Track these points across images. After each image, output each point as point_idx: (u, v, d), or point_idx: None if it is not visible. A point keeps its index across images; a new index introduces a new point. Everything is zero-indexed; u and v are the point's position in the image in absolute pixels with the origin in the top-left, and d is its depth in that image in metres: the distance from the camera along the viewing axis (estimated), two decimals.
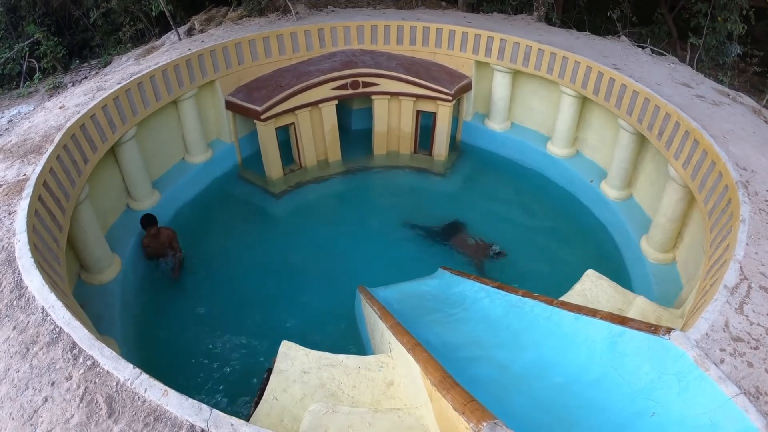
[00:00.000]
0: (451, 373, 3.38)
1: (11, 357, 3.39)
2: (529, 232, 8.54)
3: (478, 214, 8.90)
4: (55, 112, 6.78)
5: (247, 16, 10.71)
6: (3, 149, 5.95)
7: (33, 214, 4.81)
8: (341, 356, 4.33)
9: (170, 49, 9.10)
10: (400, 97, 9.54)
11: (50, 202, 5.35)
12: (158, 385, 3.09)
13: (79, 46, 13.82)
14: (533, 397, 3.85)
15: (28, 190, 4.99)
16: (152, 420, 2.92)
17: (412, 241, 8.23)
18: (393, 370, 4.26)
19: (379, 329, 4.92)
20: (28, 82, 11.71)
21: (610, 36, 10.33)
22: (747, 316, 3.84)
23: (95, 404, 3.04)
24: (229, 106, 9.04)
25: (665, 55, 9.36)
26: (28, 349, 3.42)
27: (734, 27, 9.83)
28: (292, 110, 8.90)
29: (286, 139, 9.45)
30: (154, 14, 11.71)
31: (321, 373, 4.13)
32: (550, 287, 5.86)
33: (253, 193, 9.31)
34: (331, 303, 7.06)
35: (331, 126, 9.56)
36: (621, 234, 8.11)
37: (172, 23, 10.36)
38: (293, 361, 4.22)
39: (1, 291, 3.89)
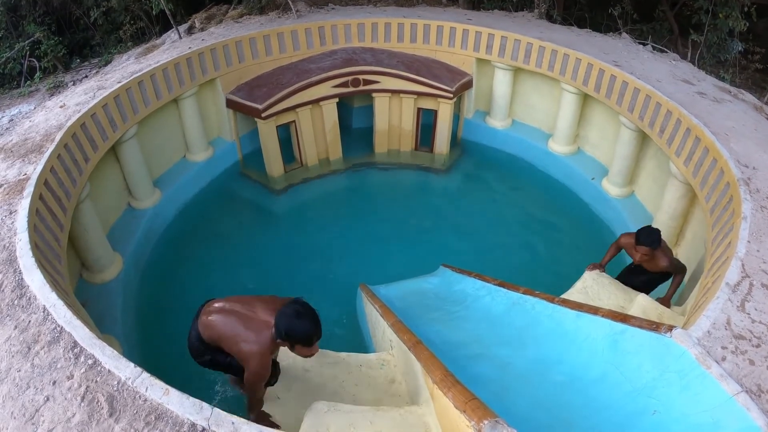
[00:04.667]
0: (452, 371, 3.38)
1: (12, 356, 3.39)
2: (530, 230, 8.54)
3: (479, 211, 8.90)
4: (55, 111, 6.78)
5: (247, 14, 10.70)
6: (4, 148, 5.96)
7: (34, 213, 4.81)
8: (343, 354, 4.34)
9: (171, 48, 9.10)
10: (401, 95, 9.53)
11: (51, 201, 5.35)
12: (159, 384, 3.09)
13: (79, 45, 13.80)
14: (534, 396, 3.85)
15: (29, 190, 4.99)
16: (153, 419, 2.93)
17: (413, 238, 8.23)
18: (394, 368, 4.26)
19: (380, 327, 4.93)
20: (28, 82, 11.71)
21: (611, 33, 10.30)
22: (749, 313, 3.83)
23: (96, 403, 3.04)
24: (230, 104, 9.04)
25: (666, 52, 9.33)
26: (29, 349, 3.43)
27: (735, 24, 9.80)
28: (293, 108, 8.90)
29: (287, 136, 9.45)
30: (154, 13, 11.68)
31: (323, 371, 4.13)
32: (552, 285, 5.87)
33: (254, 190, 9.31)
34: (332, 301, 7.05)
35: (332, 124, 9.56)
36: (622, 231, 8.07)
37: (172, 22, 10.35)
38: (294, 359, 4.23)
39: (3, 290, 3.89)
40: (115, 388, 3.10)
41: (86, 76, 11.05)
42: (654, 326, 3.53)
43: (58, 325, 3.55)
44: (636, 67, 8.01)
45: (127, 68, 8.18)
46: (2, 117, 9.62)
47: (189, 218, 8.51)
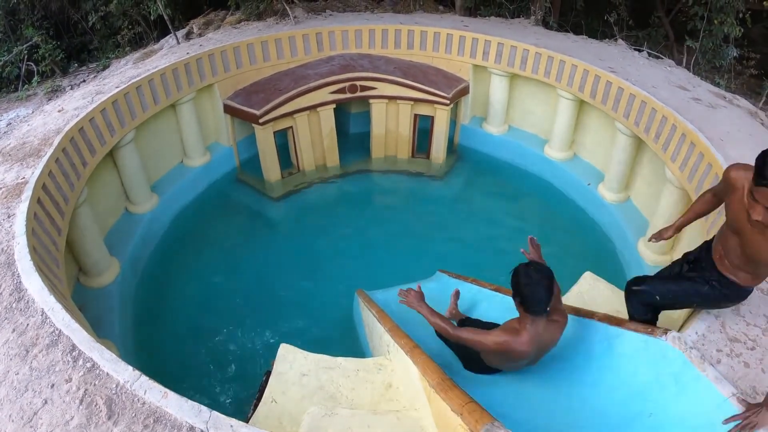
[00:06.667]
0: (449, 375, 3.40)
1: (11, 359, 3.40)
2: (527, 235, 8.51)
3: (476, 216, 8.93)
4: (53, 115, 6.79)
5: (245, 20, 10.74)
6: (2, 152, 5.96)
7: (32, 217, 4.82)
8: (340, 359, 4.34)
9: (169, 53, 9.13)
10: (398, 101, 9.57)
11: (49, 205, 5.36)
12: (158, 387, 3.10)
13: (77, 50, 13.83)
14: (531, 399, 3.87)
15: (27, 193, 5.00)
16: (152, 422, 2.93)
17: (409, 244, 8.24)
18: (391, 373, 4.27)
19: (377, 332, 4.94)
20: (26, 86, 11.71)
21: (607, 39, 10.37)
22: (743, 316, 3.86)
23: (95, 406, 3.04)
24: (228, 109, 9.06)
25: (662, 58, 9.39)
26: (27, 352, 3.43)
27: (731, 30, 9.88)
28: (291, 114, 8.92)
29: (284, 142, 9.47)
30: (152, 18, 11.74)
31: (320, 376, 4.14)
32: None
33: (251, 196, 9.32)
34: (329, 306, 7.07)
35: (329, 129, 9.58)
36: (618, 236, 8.13)
37: (170, 27, 10.38)
38: (292, 363, 4.23)
39: (1, 293, 3.90)
40: (113, 391, 3.11)
41: (84, 81, 11.06)
42: (649, 330, 3.56)
43: (57, 329, 3.56)
44: (631, 73, 8.06)
45: (125, 73, 8.20)
46: (0, 121, 9.62)
47: (186, 223, 8.51)
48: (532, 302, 3.31)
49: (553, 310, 3.56)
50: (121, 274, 7.00)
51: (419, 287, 4.12)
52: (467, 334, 3.65)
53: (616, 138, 8.13)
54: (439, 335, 4.09)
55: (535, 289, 3.30)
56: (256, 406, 4.07)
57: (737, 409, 3.03)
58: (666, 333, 3.49)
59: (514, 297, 3.43)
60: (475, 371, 4.18)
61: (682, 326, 4.22)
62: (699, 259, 3.77)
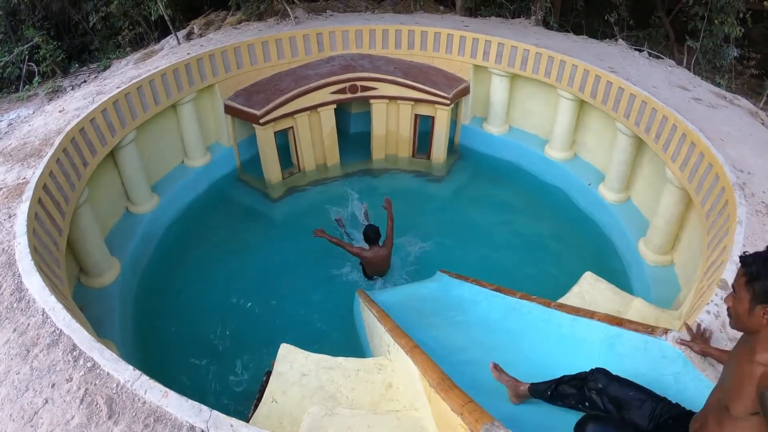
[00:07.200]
0: (449, 375, 3.40)
1: (12, 359, 3.41)
2: (527, 235, 8.56)
3: (476, 217, 8.92)
4: (54, 115, 6.80)
5: (246, 20, 10.75)
6: (3, 153, 5.97)
7: (33, 217, 4.82)
8: (340, 359, 4.34)
9: (169, 54, 9.14)
10: (399, 101, 9.57)
11: (50, 205, 5.37)
12: (158, 387, 3.10)
13: (78, 50, 13.85)
14: (531, 399, 3.86)
15: (28, 194, 5.01)
16: (152, 421, 2.94)
17: (410, 244, 8.24)
18: (392, 373, 4.27)
19: (377, 332, 4.94)
20: (27, 86, 11.73)
21: (607, 39, 10.37)
22: None
23: (95, 406, 3.05)
24: (228, 110, 9.07)
25: (662, 58, 9.39)
26: (28, 351, 3.44)
27: (731, 30, 9.89)
28: (291, 114, 8.93)
29: (284, 142, 9.47)
30: (153, 18, 11.75)
31: (320, 376, 4.14)
32: (548, 289, 5.88)
33: (252, 196, 9.33)
34: (329, 306, 7.08)
35: (329, 130, 9.59)
36: (619, 236, 8.13)
37: (171, 27, 10.39)
38: (292, 363, 4.24)
39: (2, 293, 3.91)
40: (114, 391, 3.12)
41: (85, 81, 11.07)
42: (649, 329, 3.56)
43: (57, 328, 3.56)
44: (632, 73, 8.06)
45: (125, 74, 8.21)
46: (1, 121, 9.63)
47: (187, 223, 8.52)
48: (369, 239, 6.99)
49: (384, 246, 7.13)
50: (122, 275, 7.01)
51: (322, 230, 7.17)
52: (349, 247, 7.12)
53: (617, 138, 8.13)
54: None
55: (370, 234, 6.94)
56: (256, 406, 4.07)
57: None
58: (666, 333, 3.49)
59: (364, 239, 7.06)
60: (367, 278, 7.46)
61: (682, 326, 4.22)
62: None
